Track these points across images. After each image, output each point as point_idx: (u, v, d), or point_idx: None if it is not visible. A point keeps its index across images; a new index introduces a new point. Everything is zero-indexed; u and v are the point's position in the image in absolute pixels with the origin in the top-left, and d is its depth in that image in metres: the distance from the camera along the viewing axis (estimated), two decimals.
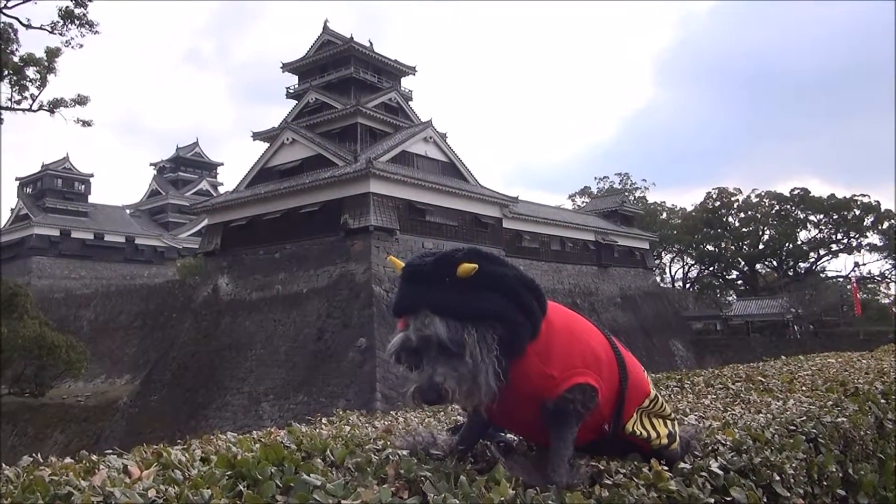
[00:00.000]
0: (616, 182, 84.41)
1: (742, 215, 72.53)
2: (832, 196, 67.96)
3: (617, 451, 2.18)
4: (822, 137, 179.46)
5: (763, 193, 72.29)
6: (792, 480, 2.35)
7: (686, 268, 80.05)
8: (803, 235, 70.96)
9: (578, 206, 74.61)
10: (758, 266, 74.28)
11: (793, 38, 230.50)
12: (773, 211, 71.19)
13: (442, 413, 3.16)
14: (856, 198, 67.36)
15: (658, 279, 67.61)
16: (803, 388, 3.70)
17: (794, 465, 2.41)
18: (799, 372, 4.63)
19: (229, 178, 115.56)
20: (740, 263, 74.26)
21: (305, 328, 33.52)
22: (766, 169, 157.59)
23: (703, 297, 71.71)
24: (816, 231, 70.35)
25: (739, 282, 76.22)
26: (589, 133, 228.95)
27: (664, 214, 78.78)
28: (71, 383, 39.63)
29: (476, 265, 1.88)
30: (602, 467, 1.96)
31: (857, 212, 67.23)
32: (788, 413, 2.87)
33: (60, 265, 65.36)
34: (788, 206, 70.16)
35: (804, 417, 2.79)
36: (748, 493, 2.09)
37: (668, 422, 2.29)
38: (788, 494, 2.29)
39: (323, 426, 2.84)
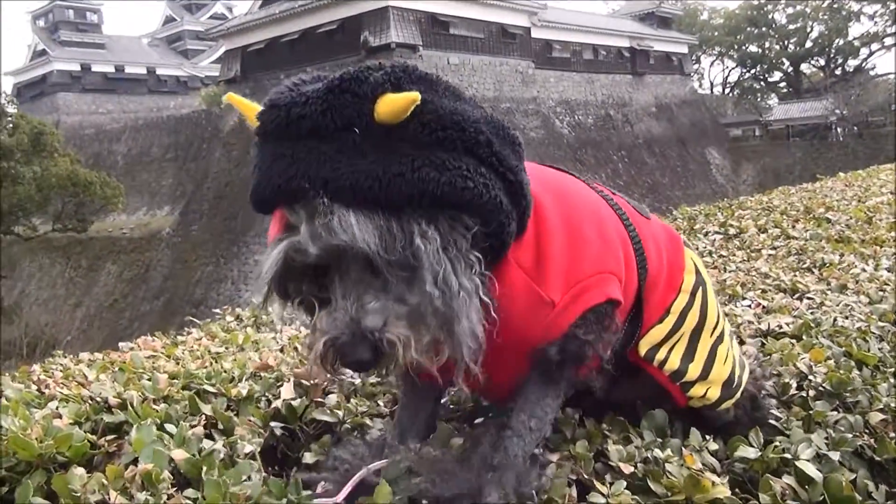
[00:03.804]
0: None
1: (790, 11, 67.53)
2: None
3: (624, 399, 1.36)
4: None
5: None
6: None
7: (726, 72, 76.33)
8: (855, 30, 66.48)
9: (613, 10, 70.01)
10: (803, 66, 70.44)
11: None
12: (825, 4, 66.03)
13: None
14: None
15: (696, 85, 64.76)
16: (893, 231, 2.83)
17: None
18: (869, 198, 3.78)
19: None
20: (784, 64, 70.42)
21: None
22: None
23: (742, 102, 69.17)
24: (871, 23, 65.63)
25: (782, 84, 72.83)
26: None
27: (705, 14, 73.73)
28: (115, 216, 40.80)
29: (417, 94, 1.01)
30: (585, 476, 1.12)
31: None
32: (891, 293, 2.00)
33: (86, 100, 64.81)
34: None
35: None
36: None
37: (728, 350, 1.37)
38: None
39: (197, 343, 2.24)
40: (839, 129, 53.51)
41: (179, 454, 1.17)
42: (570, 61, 43.01)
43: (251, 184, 1.12)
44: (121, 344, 2.30)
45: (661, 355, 1.32)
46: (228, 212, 35.55)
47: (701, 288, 1.38)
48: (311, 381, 1.53)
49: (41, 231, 32.92)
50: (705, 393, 1.34)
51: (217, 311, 3.02)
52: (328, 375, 1.05)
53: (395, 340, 0.99)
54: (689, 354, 1.33)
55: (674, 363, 1.31)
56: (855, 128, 52.32)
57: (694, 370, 1.32)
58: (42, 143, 28.95)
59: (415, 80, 1.06)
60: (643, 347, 1.32)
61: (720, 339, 1.39)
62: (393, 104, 1.00)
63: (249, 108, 1.13)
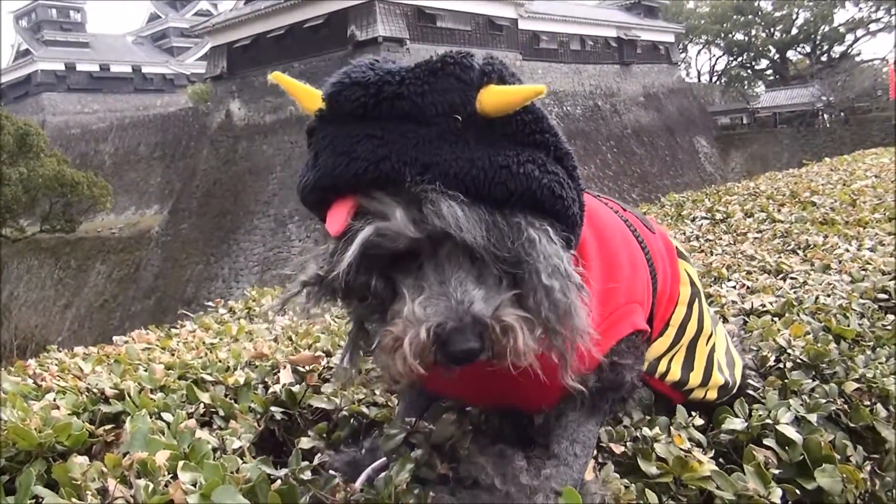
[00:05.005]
0: None
1: None
2: None
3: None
4: None
5: None
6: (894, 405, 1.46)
7: (713, 60, 76.57)
8: (840, 17, 66.55)
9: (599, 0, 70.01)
10: (789, 53, 70.65)
11: None
12: None
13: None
14: None
15: (684, 74, 64.86)
16: (876, 213, 2.85)
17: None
18: (854, 181, 3.84)
19: None
20: (771, 51, 70.62)
21: None
22: None
23: (729, 90, 69.42)
24: (856, 9, 65.83)
25: (769, 72, 73.05)
26: None
27: (691, 3, 73.80)
28: (104, 216, 40.54)
29: (542, 87, 0.93)
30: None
31: None
32: (873, 272, 1.99)
33: (71, 100, 64.32)
34: None
35: None
36: (848, 471, 1.18)
37: (720, 353, 1.38)
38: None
39: (191, 335, 2.21)
40: (826, 116, 53.76)
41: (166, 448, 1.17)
42: (558, 52, 43.00)
43: (313, 171, 1.01)
44: (115, 338, 2.31)
45: (662, 367, 1.32)
46: (218, 209, 35.40)
47: (697, 299, 1.38)
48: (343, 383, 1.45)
49: (29, 232, 32.72)
50: (704, 395, 1.36)
51: (210, 303, 3.04)
52: (421, 372, 0.89)
53: (514, 325, 0.88)
54: (689, 364, 1.34)
55: (675, 374, 1.32)
56: (842, 114, 52.58)
57: (695, 378, 1.33)
58: (28, 143, 28.73)
59: (511, 73, 0.98)
60: (647, 365, 1.31)
61: (714, 347, 1.40)
62: (505, 96, 0.93)
63: (305, 91, 1.04)
